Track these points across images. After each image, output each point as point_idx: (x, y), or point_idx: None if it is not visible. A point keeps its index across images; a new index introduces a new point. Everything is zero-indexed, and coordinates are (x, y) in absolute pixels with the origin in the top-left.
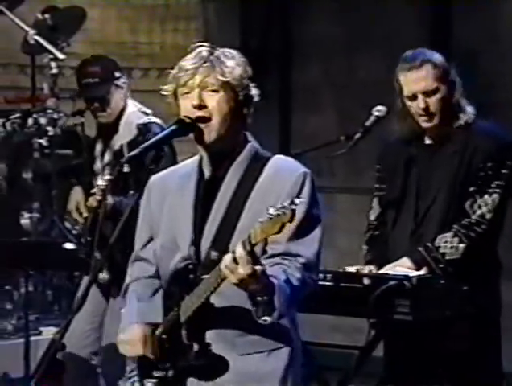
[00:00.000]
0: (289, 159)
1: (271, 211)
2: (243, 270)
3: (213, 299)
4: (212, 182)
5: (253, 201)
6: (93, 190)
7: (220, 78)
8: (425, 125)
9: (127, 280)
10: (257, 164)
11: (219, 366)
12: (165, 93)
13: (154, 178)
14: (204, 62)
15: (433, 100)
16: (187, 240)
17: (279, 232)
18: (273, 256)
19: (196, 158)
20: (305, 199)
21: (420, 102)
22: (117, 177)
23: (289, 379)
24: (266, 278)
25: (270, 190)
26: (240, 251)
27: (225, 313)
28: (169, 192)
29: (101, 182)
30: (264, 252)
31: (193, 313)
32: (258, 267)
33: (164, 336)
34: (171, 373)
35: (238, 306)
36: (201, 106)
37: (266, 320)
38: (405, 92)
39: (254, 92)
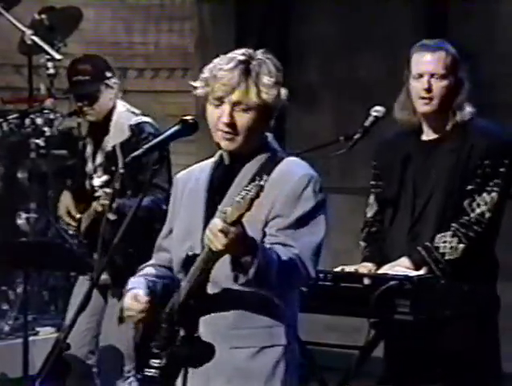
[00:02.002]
0: (300, 162)
1: (243, 190)
2: (218, 242)
3: (209, 289)
4: (225, 177)
5: (261, 200)
6: (98, 194)
7: (256, 100)
8: (423, 108)
9: (147, 263)
10: (270, 165)
11: (206, 353)
12: (196, 93)
13: (179, 175)
14: (242, 80)
15: (437, 85)
16: (199, 230)
17: (249, 209)
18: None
19: (219, 153)
20: (309, 204)
21: (424, 82)
22: (119, 178)
23: (276, 377)
24: (247, 240)
25: (273, 190)
26: (216, 223)
27: (218, 303)
28: (188, 185)
29: (98, 182)
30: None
31: (185, 298)
32: (235, 229)
33: (164, 325)
34: (163, 362)
35: (232, 298)
36: (230, 124)
37: (244, 278)
38: (413, 70)
39: (283, 94)
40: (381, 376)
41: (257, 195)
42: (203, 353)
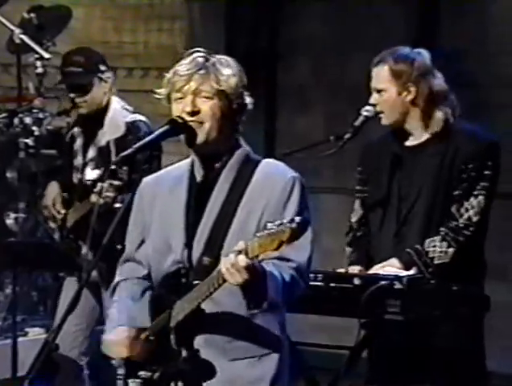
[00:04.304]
0: (278, 163)
1: (270, 226)
2: (240, 277)
3: (204, 305)
4: (203, 185)
5: (244, 206)
6: (99, 188)
7: (215, 86)
8: (381, 122)
9: (116, 279)
10: (247, 168)
11: (206, 371)
12: (159, 96)
13: (145, 180)
14: (200, 69)
15: (380, 99)
16: (180, 243)
17: (277, 249)
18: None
19: (188, 160)
20: (295, 207)
21: (371, 98)
22: (111, 172)
23: (279, 382)
24: (257, 269)
25: (260, 196)
26: (240, 259)
27: (215, 319)
28: (160, 195)
29: (90, 177)
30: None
31: (184, 318)
32: (255, 264)
33: (152, 338)
34: (156, 375)
35: (229, 312)
36: (194, 112)
37: (257, 309)
38: None
39: (248, 100)
40: (368, 376)
41: (290, 239)
42: (204, 372)
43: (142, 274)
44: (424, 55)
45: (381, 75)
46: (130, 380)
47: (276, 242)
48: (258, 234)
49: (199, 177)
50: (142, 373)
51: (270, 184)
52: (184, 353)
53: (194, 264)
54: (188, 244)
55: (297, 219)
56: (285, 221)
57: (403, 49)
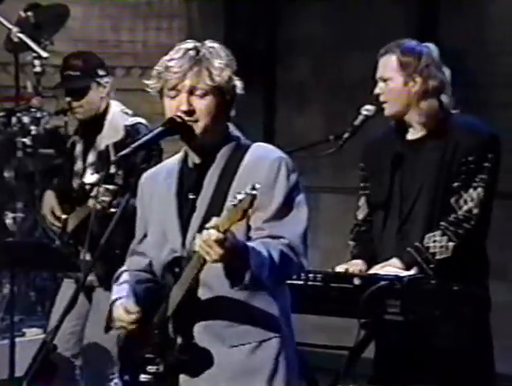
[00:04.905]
0: (267, 146)
1: (237, 197)
2: (214, 253)
3: (200, 292)
4: (196, 175)
5: (235, 191)
6: (94, 193)
7: (210, 83)
8: (385, 113)
9: (122, 269)
10: (237, 154)
11: (204, 360)
12: (149, 90)
13: (144, 175)
14: (193, 65)
15: (386, 89)
16: (175, 232)
17: (242, 218)
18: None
19: (181, 153)
20: (284, 185)
21: (376, 88)
22: (107, 176)
23: (279, 369)
24: (234, 244)
25: (248, 179)
26: (210, 234)
27: (211, 305)
28: (157, 188)
29: (89, 181)
30: (248, 238)
31: (177, 305)
32: (229, 238)
33: (156, 331)
34: (161, 368)
35: (224, 297)
36: (190, 111)
37: (240, 284)
38: None
39: (239, 84)
40: (371, 376)
41: (250, 205)
42: (201, 360)
43: (143, 265)
44: (431, 48)
45: (388, 64)
46: (141, 376)
47: (240, 212)
48: (227, 207)
49: (191, 166)
50: (149, 367)
51: (257, 166)
52: (179, 341)
53: (187, 252)
54: (183, 233)
55: (257, 185)
56: (247, 190)
57: (411, 41)
